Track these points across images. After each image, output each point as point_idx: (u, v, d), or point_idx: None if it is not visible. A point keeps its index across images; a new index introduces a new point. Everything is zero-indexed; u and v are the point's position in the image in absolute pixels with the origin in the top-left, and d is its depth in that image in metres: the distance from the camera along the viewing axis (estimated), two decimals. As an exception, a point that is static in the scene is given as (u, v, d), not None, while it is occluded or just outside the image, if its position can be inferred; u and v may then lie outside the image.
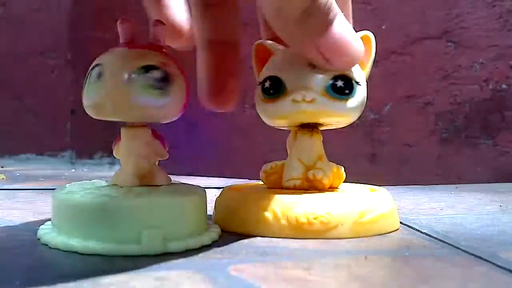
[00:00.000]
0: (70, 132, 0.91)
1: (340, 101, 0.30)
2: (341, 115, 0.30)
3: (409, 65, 0.71)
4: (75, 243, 0.26)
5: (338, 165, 0.33)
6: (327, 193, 0.31)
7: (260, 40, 0.33)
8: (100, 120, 0.29)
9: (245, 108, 0.76)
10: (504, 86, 0.68)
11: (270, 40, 0.33)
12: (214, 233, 0.29)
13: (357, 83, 0.30)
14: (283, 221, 0.29)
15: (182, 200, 0.27)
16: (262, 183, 0.34)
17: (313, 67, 0.29)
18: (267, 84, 0.31)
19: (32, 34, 0.92)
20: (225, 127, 0.78)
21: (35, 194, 0.49)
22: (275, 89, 0.30)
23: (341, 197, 0.30)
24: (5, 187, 0.56)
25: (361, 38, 0.30)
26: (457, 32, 0.69)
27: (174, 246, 0.26)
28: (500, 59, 0.68)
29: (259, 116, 0.33)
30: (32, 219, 0.35)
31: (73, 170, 0.85)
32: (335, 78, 0.30)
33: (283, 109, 0.30)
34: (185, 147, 0.80)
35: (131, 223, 0.25)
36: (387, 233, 0.31)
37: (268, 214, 0.29)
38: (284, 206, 0.29)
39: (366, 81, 0.32)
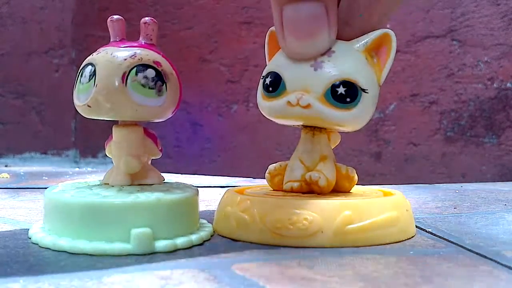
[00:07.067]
0: (74, 131, 0.91)
1: (339, 109, 0.27)
2: (339, 124, 0.28)
3: (413, 64, 0.70)
4: (65, 242, 0.25)
5: (349, 167, 0.30)
6: (314, 197, 0.28)
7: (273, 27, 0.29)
8: (103, 119, 0.29)
9: (249, 107, 0.76)
10: (508, 84, 0.68)
11: None
12: (205, 232, 0.28)
13: (363, 90, 0.27)
14: (261, 225, 0.27)
15: (172, 199, 0.27)
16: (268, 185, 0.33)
17: (316, 67, 0.27)
18: (267, 81, 0.29)
19: (36, 33, 0.92)
20: (230, 126, 0.78)
21: (39, 193, 0.49)
22: (274, 87, 0.28)
23: (325, 201, 0.27)
24: (9, 185, 0.56)
25: (380, 36, 0.28)
26: (462, 31, 0.69)
27: (163, 245, 0.26)
28: (504, 58, 0.68)
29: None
30: (36, 218, 0.35)
31: (77, 169, 0.85)
32: (338, 83, 0.27)
33: (278, 109, 0.28)
34: (190, 146, 0.80)
35: (120, 223, 0.25)
36: (389, 243, 0.28)
37: (246, 217, 0.28)
38: (262, 209, 0.27)
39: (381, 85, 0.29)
